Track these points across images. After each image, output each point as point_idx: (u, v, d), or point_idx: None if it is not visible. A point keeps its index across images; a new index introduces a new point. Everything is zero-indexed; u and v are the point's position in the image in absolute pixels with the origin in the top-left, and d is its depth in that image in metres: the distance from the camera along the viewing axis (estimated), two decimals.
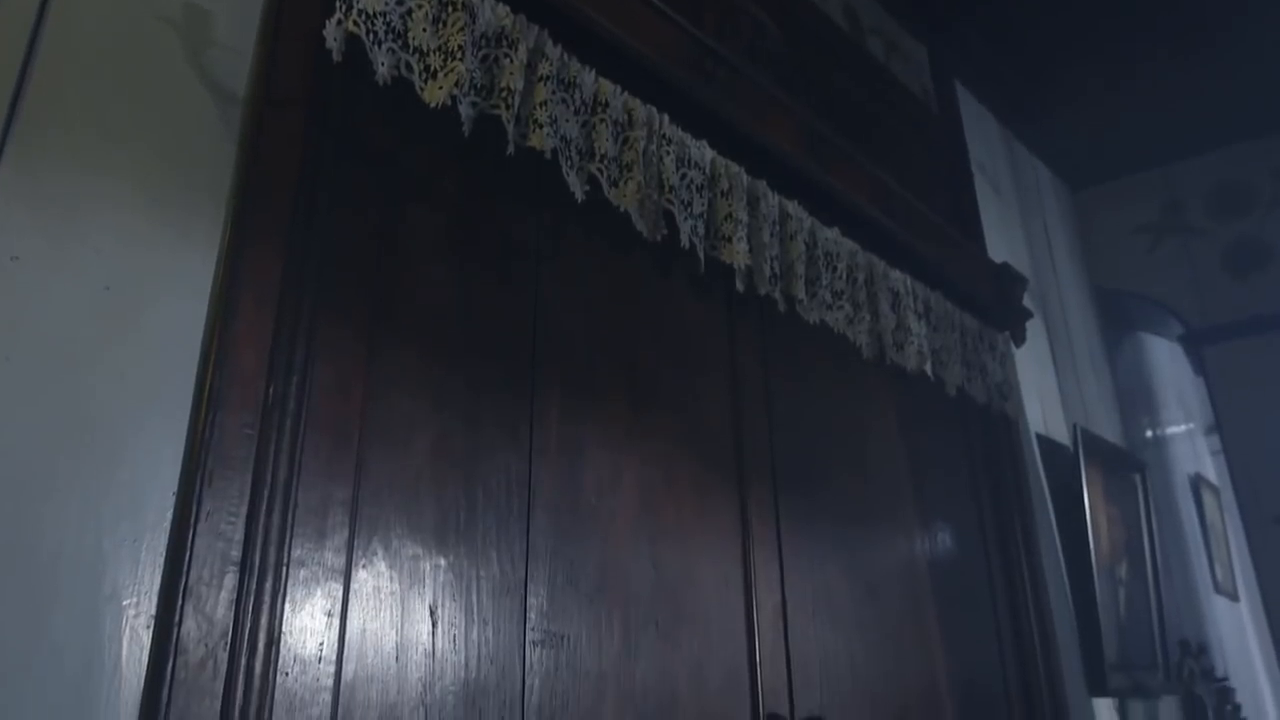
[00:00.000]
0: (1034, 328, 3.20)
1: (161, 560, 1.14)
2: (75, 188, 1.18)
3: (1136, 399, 4.38)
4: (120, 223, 1.20)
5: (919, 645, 2.35)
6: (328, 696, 1.23)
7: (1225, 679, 3.63)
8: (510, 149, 1.53)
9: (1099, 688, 3.02)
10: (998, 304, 2.90)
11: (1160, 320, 4.37)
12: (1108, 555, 3.26)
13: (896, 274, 2.44)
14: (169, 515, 1.16)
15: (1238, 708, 3.53)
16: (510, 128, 1.53)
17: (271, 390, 1.27)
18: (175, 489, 1.17)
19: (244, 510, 1.20)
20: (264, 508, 1.22)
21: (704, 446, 1.94)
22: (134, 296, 1.19)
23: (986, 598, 2.67)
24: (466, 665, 1.39)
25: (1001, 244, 3.41)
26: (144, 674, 1.09)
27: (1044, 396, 3.39)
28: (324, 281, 1.38)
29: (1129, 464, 3.69)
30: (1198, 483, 4.64)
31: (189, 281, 1.25)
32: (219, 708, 1.12)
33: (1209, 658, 3.67)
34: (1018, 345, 2.94)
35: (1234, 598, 4.64)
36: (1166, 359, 4.75)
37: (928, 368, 2.44)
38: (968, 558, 2.66)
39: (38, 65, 1.18)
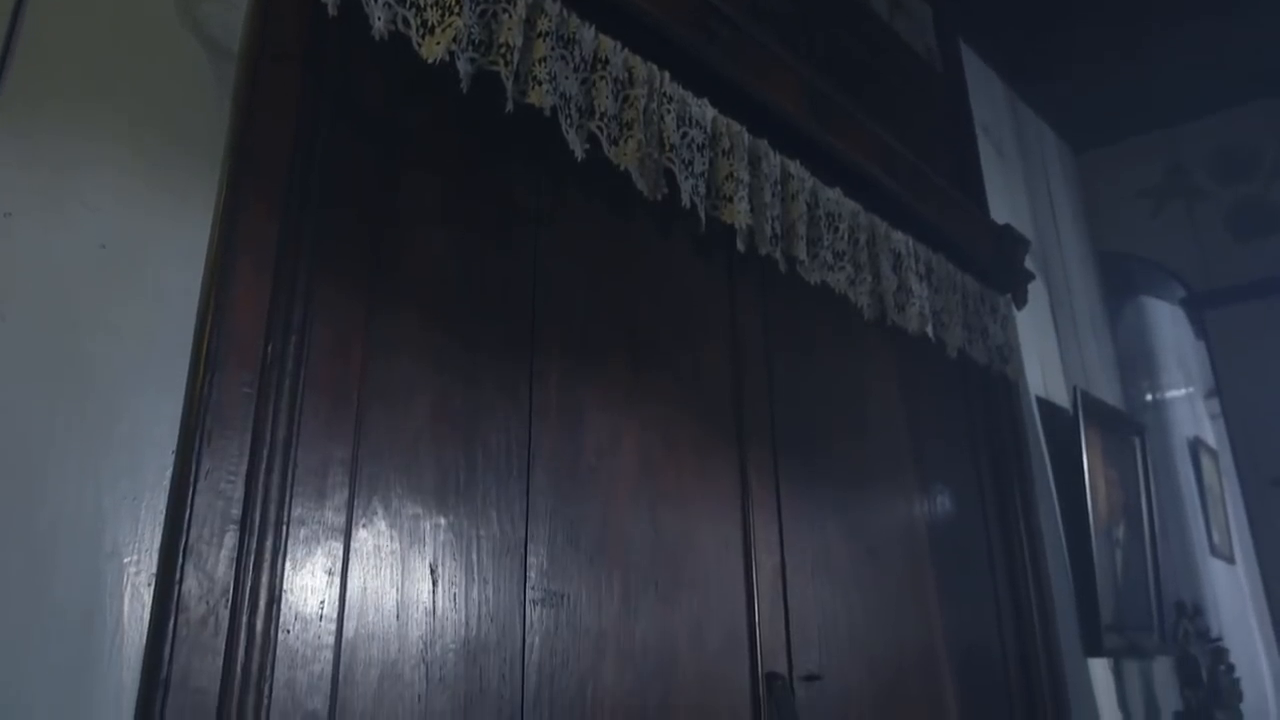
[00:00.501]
0: (1035, 290, 3.18)
1: (161, 519, 1.14)
2: (69, 144, 1.16)
3: (1137, 363, 4.38)
4: (115, 180, 1.19)
5: (917, 606, 2.36)
6: (329, 654, 1.23)
7: (1219, 640, 3.66)
8: (509, 106, 1.51)
9: (1095, 648, 3.05)
10: (999, 266, 2.89)
11: (1162, 284, 4.36)
12: (1105, 517, 3.28)
13: (898, 235, 2.42)
14: (168, 474, 1.16)
15: (1231, 668, 3.56)
16: (509, 84, 1.51)
17: (270, 350, 1.26)
18: (174, 448, 1.16)
19: (243, 469, 1.20)
20: (263, 467, 1.22)
21: (704, 408, 1.93)
22: (130, 254, 1.18)
23: (984, 559, 2.69)
24: (467, 623, 1.40)
25: (1004, 206, 3.38)
26: (146, 631, 1.10)
27: (1044, 359, 3.39)
28: (321, 242, 1.37)
29: (1128, 427, 3.69)
30: (1196, 446, 4.66)
31: (185, 239, 1.24)
32: (221, 664, 1.13)
33: (1204, 619, 3.70)
34: (1019, 308, 2.93)
35: (1230, 560, 4.67)
36: (1168, 323, 4.74)
37: (929, 329, 2.43)
38: (966, 520, 2.68)
39: (29, 23, 1.17)
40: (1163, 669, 3.56)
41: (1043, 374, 3.32)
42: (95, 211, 1.16)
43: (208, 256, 1.25)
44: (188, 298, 1.22)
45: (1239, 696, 3.54)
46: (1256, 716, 3.74)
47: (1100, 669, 3.11)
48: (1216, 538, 4.58)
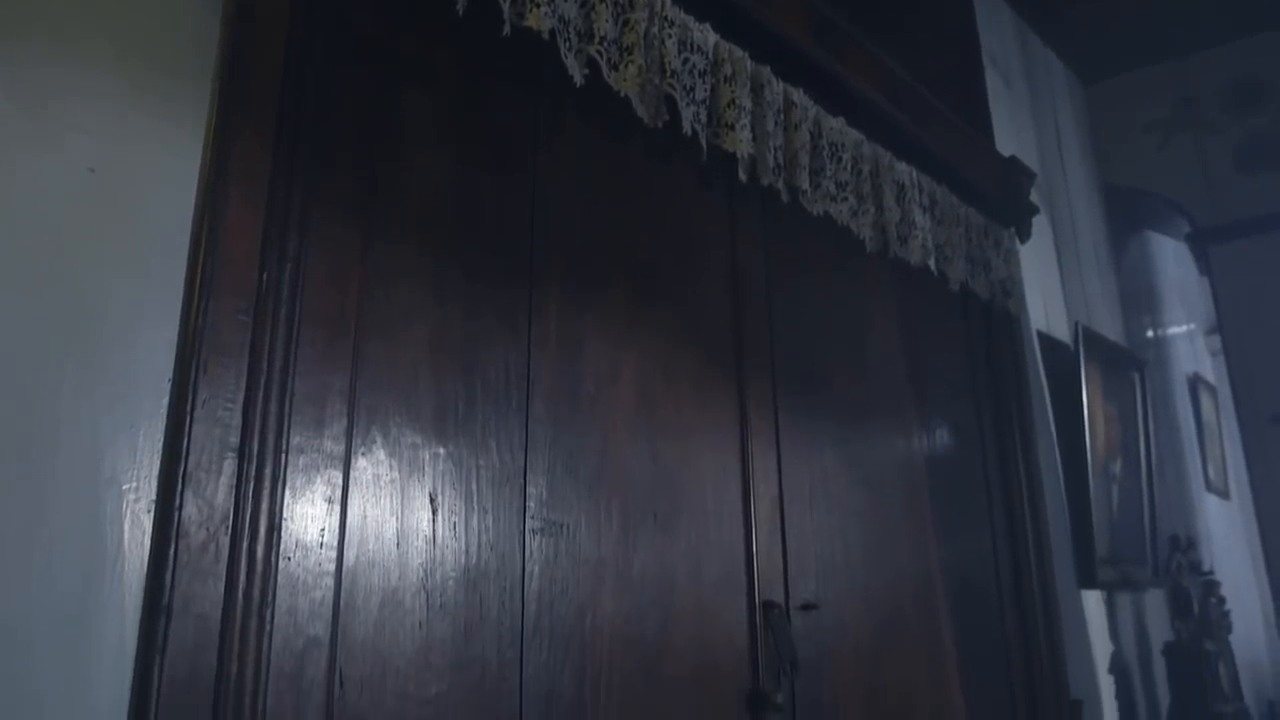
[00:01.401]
0: (1039, 224, 3.15)
1: (159, 447, 1.13)
2: (54, 65, 1.13)
3: (1139, 298, 4.36)
4: (102, 102, 1.16)
5: (914, 538, 2.38)
6: (330, 580, 1.24)
7: (1211, 573, 3.71)
8: (506, 29, 1.47)
9: (1089, 580, 3.09)
10: (1004, 199, 2.86)
11: (1167, 218, 4.32)
12: (1103, 452, 3.29)
13: (902, 166, 2.39)
14: (165, 402, 1.15)
15: (1222, 600, 3.61)
16: (506, 7, 1.47)
17: (265, 277, 1.24)
18: (171, 376, 1.16)
19: (241, 397, 1.19)
20: (261, 395, 1.21)
21: (703, 339, 1.92)
22: (120, 179, 1.16)
23: (982, 492, 2.70)
24: (467, 552, 1.41)
25: (1010, 137, 3.33)
26: (146, 557, 1.10)
27: (1047, 294, 3.37)
28: (315, 166, 1.34)
29: (1129, 363, 3.69)
30: (1195, 383, 4.67)
31: (176, 164, 1.21)
32: (222, 590, 1.14)
33: (1197, 553, 3.74)
34: (1023, 241, 2.91)
35: (1225, 496, 4.72)
36: (1171, 259, 4.71)
37: (931, 262, 2.41)
38: (965, 453, 2.69)
39: None
40: (1154, 601, 3.62)
41: (1044, 309, 3.31)
42: (82, 134, 1.14)
43: (199, 182, 1.22)
44: (180, 224, 1.20)
45: (1228, 628, 3.60)
46: (1244, 647, 3.80)
47: (1093, 601, 3.16)
48: (1212, 474, 4.62)
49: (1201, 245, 4.18)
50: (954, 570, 2.48)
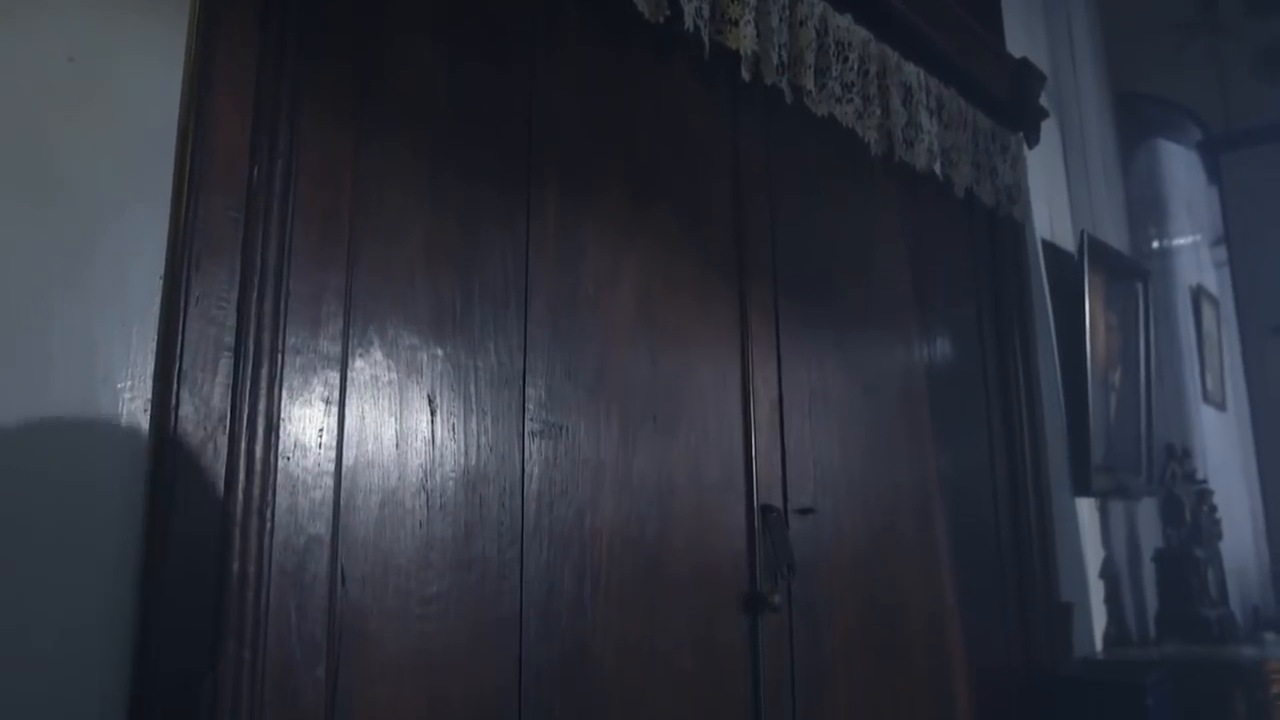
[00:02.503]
0: (1048, 130, 3.09)
1: (153, 345, 1.12)
2: None
3: (1146, 208, 4.30)
4: None
5: (912, 445, 2.39)
6: (329, 480, 1.24)
7: (1205, 482, 3.75)
8: None
9: (1083, 488, 3.13)
10: (1013, 103, 2.79)
11: (1179, 125, 4.23)
12: (1103, 362, 3.29)
13: (910, 67, 2.32)
14: (157, 300, 1.13)
15: (1214, 508, 3.66)
16: None
17: (255, 173, 1.21)
18: (162, 273, 1.14)
19: (234, 296, 1.17)
20: (255, 294, 1.19)
21: (704, 242, 1.90)
22: (101, 68, 1.12)
23: (981, 400, 2.71)
24: (466, 453, 1.41)
25: (1021, 38, 3.24)
26: (144, 457, 1.10)
27: (1053, 201, 3.32)
28: (303, 59, 1.29)
29: (1132, 273, 3.66)
30: (1198, 294, 4.64)
31: (160, 52, 1.17)
32: (222, 489, 1.14)
33: (1191, 462, 3.77)
34: (1030, 147, 2.85)
35: (1221, 407, 4.74)
36: (1180, 168, 4.64)
37: (937, 167, 2.37)
38: (965, 360, 2.68)
39: None
40: (1147, 509, 3.67)
41: (1050, 216, 3.26)
42: (61, 20, 1.09)
43: (184, 71, 1.18)
44: (165, 116, 1.16)
45: (1218, 536, 3.65)
46: (1232, 554, 3.87)
47: (1087, 508, 3.20)
48: (1210, 385, 4.63)
49: (1213, 153, 4.12)
50: (951, 477, 2.50)
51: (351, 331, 1.30)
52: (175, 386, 1.11)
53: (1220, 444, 4.61)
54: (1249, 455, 4.69)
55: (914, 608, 2.29)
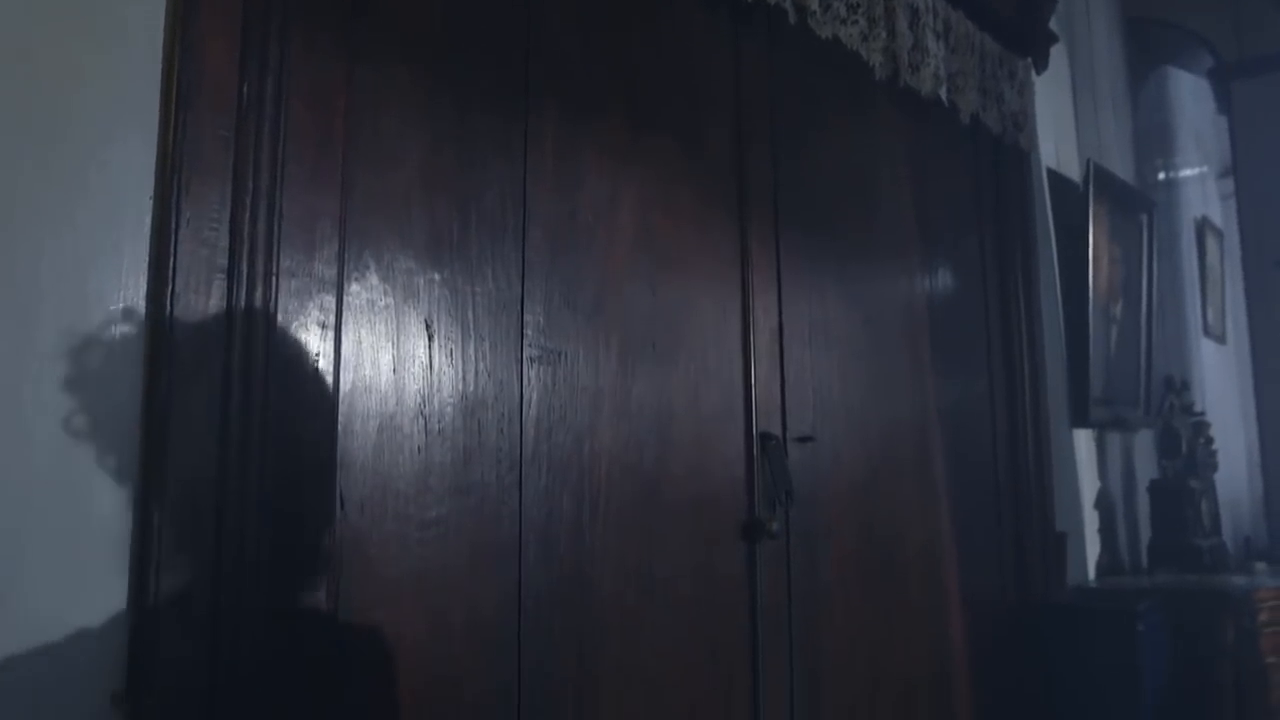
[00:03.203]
0: (1056, 56, 3.02)
1: (145, 267, 1.10)
2: None
3: (1153, 138, 4.24)
4: None
5: (912, 374, 2.39)
6: (327, 405, 1.24)
7: (1202, 414, 3.75)
8: None
9: (1081, 420, 3.13)
10: (1021, 25, 2.72)
11: (1190, 53, 4.14)
12: (1105, 293, 3.27)
13: None
14: (148, 221, 1.11)
15: (1210, 440, 3.67)
16: None
17: (245, 91, 1.18)
18: (152, 194, 1.11)
19: (226, 217, 1.15)
20: (247, 216, 1.17)
21: (705, 169, 1.87)
22: None
23: (982, 331, 2.70)
24: (464, 379, 1.40)
25: None
26: (140, 379, 1.09)
27: (1059, 130, 3.26)
28: None
29: (1138, 204, 3.62)
30: (1203, 226, 4.60)
31: None
32: (219, 414, 1.13)
33: (1190, 394, 3.78)
34: (1039, 72, 2.79)
35: (1221, 341, 4.73)
36: (1190, 97, 4.56)
37: (942, 93, 2.32)
38: (967, 292, 2.66)
39: None
40: (1144, 441, 3.68)
41: (1056, 145, 3.21)
42: None
43: None
44: (150, 30, 1.13)
45: (1214, 468, 3.67)
46: (1226, 486, 3.89)
47: (1084, 439, 3.21)
48: (1211, 318, 4.62)
49: (1224, 81, 4.03)
50: (950, 407, 2.50)
51: (347, 255, 1.29)
52: (169, 309, 1.10)
53: (1219, 377, 4.61)
54: (1247, 388, 4.69)
55: (911, 535, 2.31)
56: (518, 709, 1.41)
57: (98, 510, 1.05)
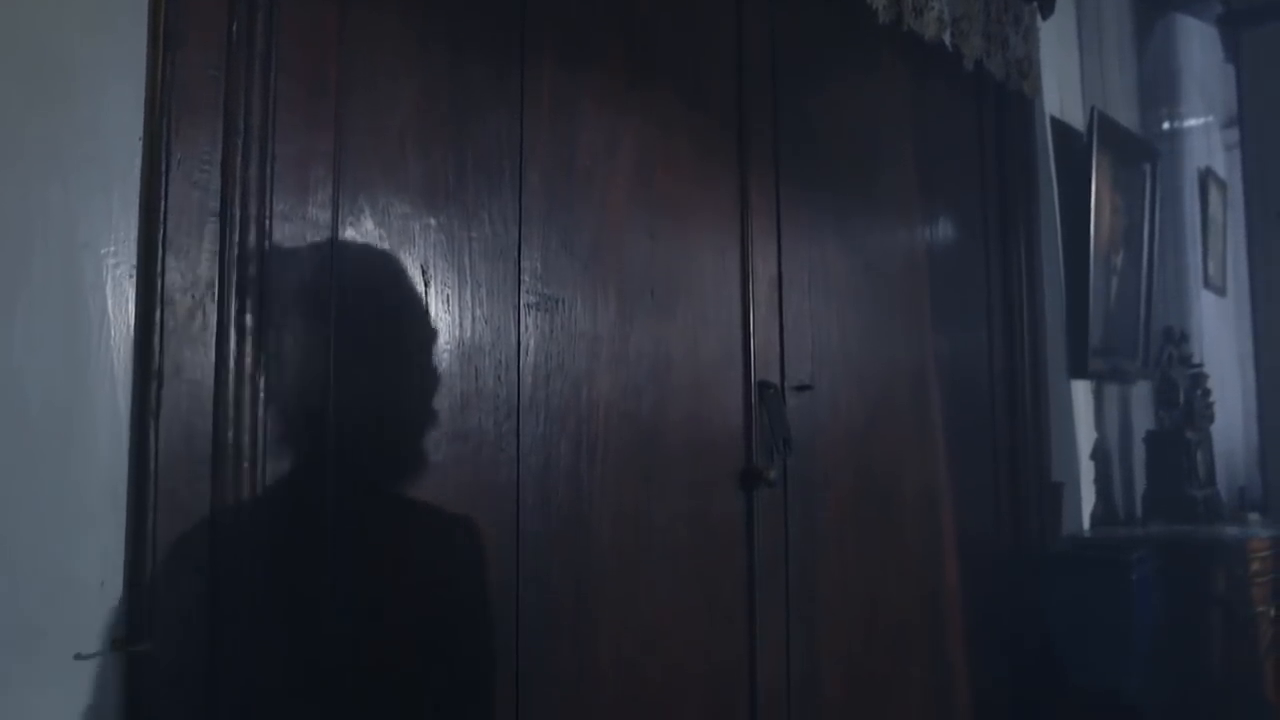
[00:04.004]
0: (1062, 1, 2.96)
1: (135, 210, 1.09)
2: None
3: (1158, 87, 4.18)
4: None
5: (911, 323, 2.38)
6: (321, 349, 1.23)
7: (1200, 365, 3.75)
8: None
9: (1079, 370, 3.13)
10: None
11: None
12: (1106, 243, 3.25)
13: None
14: (138, 162, 1.09)
15: (1208, 392, 3.67)
16: None
17: (235, 28, 1.16)
18: (141, 134, 1.09)
19: (218, 158, 1.13)
20: (239, 157, 1.15)
21: (704, 114, 1.84)
22: None
23: (982, 280, 2.68)
24: (460, 325, 1.39)
25: None
26: (132, 324, 1.08)
27: (1063, 77, 3.21)
28: None
29: (1141, 153, 3.58)
30: (1206, 177, 4.55)
31: None
32: (213, 357, 1.12)
33: (1188, 346, 3.77)
34: (1045, 17, 2.74)
35: (1221, 293, 4.71)
36: (1196, 45, 4.49)
37: (946, 37, 2.28)
38: (968, 240, 2.64)
39: None
40: (1141, 392, 3.68)
41: (1060, 93, 3.16)
42: None
43: None
44: None
45: (1210, 419, 3.68)
46: (1222, 437, 3.91)
47: (1082, 390, 3.21)
48: (1212, 270, 4.59)
49: (1233, 29, 3.97)
50: (949, 356, 2.49)
51: (341, 199, 1.27)
52: (160, 252, 1.09)
53: (1217, 329, 4.60)
54: (1245, 340, 4.70)
55: (908, 484, 2.31)
56: (515, 653, 1.42)
57: (94, 456, 1.04)
